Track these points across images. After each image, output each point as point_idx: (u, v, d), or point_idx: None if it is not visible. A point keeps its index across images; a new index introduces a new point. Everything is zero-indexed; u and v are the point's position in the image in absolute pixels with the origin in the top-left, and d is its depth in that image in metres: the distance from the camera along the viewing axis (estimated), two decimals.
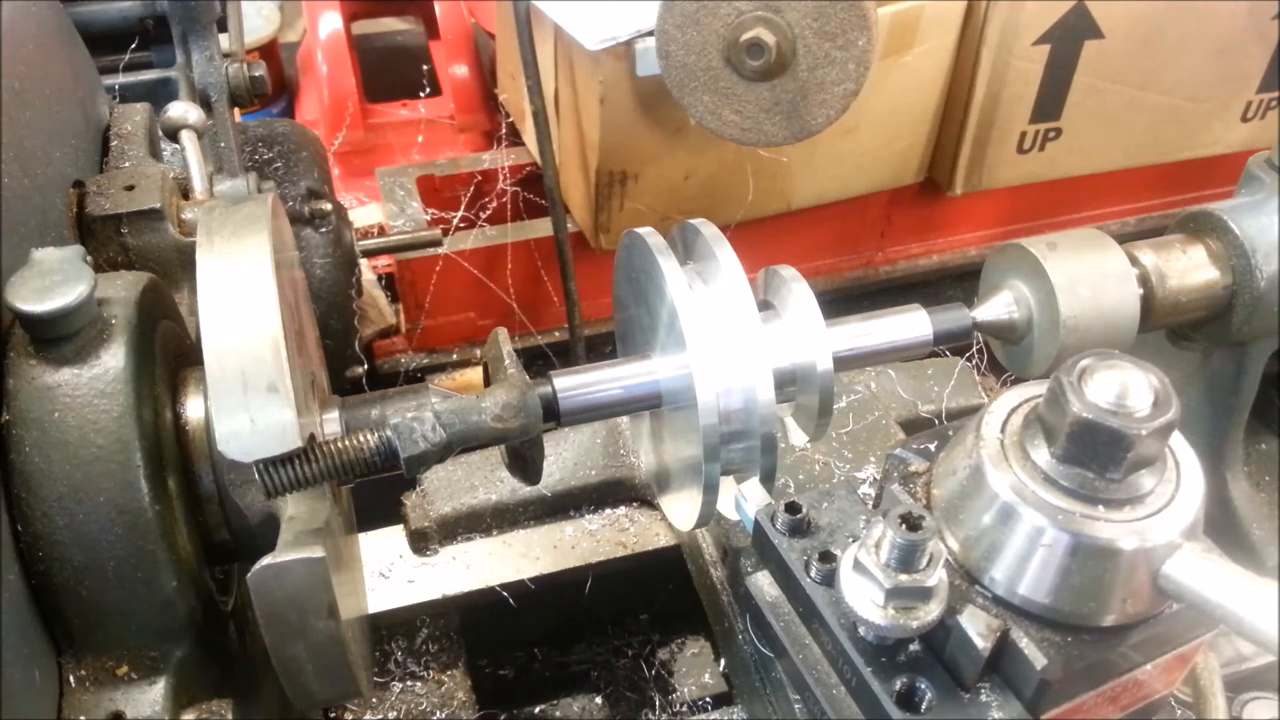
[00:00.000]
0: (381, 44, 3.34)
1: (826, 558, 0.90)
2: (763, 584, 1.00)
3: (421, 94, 2.84)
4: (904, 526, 0.79)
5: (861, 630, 0.84)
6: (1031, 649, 0.81)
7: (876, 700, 0.82)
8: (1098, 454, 0.80)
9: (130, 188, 1.19)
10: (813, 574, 0.90)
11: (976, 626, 0.81)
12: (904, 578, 0.80)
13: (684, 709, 1.68)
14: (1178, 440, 0.85)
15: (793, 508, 0.93)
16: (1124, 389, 0.79)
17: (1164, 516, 0.81)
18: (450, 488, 1.62)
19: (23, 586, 0.87)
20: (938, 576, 0.81)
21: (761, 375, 1.03)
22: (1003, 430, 0.87)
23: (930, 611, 0.80)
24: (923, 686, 0.82)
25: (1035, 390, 0.88)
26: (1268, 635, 0.73)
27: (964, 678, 0.82)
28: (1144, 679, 0.86)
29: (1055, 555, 0.80)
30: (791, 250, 2.47)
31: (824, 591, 0.89)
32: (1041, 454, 0.83)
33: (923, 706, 0.81)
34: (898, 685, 0.82)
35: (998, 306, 1.23)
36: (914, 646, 0.85)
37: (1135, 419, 0.78)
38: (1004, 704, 0.82)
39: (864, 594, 0.82)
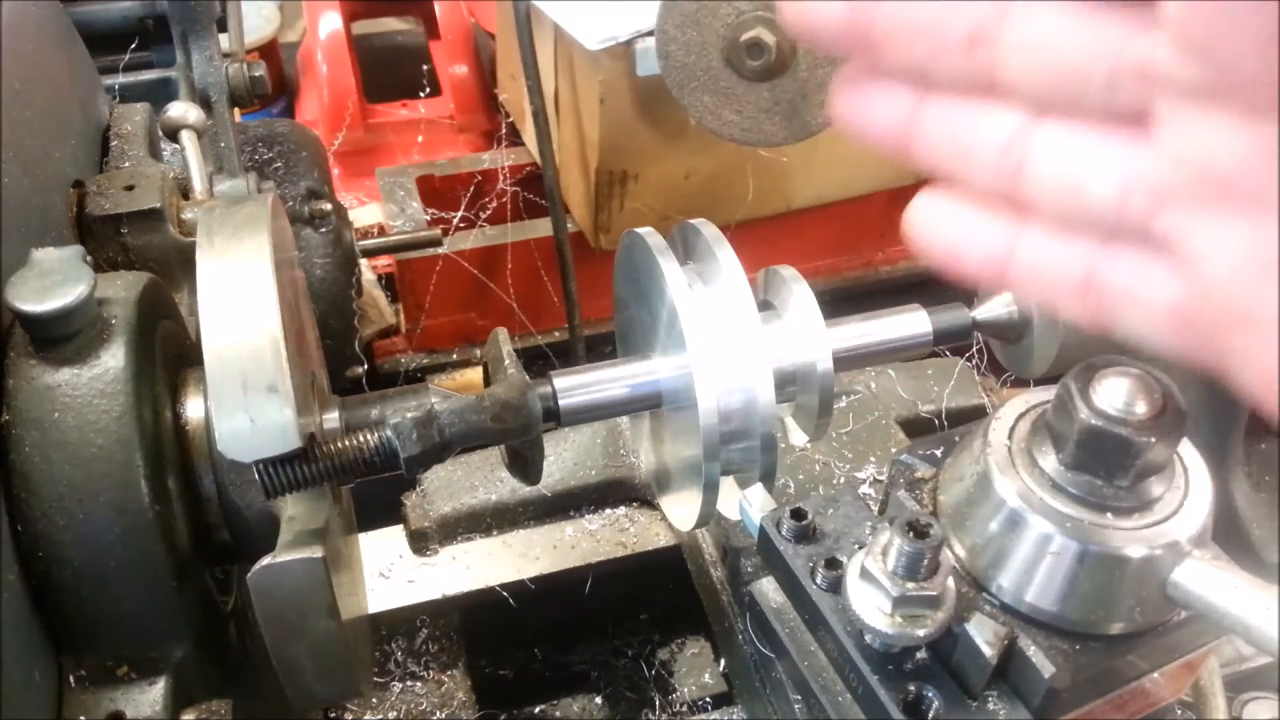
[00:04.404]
0: (381, 44, 3.32)
1: (832, 564, 0.89)
2: (767, 590, 1.00)
3: (421, 94, 2.83)
4: (911, 534, 0.79)
5: (868, 638, 0.84)
6: (1039, 657, 0.81)
7: (883, 708, 0.82)
8: (1106, 461, 0.79)
9: (130, 188, 1.19)
10: (818, 581, 0.89)
11: (984, 634, 0.81)
12: (911, 586, 0.79)
13: (684, 709, 1.68)
14: (1185, 447, 0.84)
15: (798, 514, 0.93)
16: (1132, 396, 0.79)
17: (1173, 524, 0.80)
18: (450, 488, 1.62)
19: (23, 587, 0.86)
20: (945, 584, 0.80)
21: (761, 375, 1.02)
22: (1010, 436, 0.86)
23: (937, 619, 0.80)
24: (930, 694, 0.82)
25: (1043, 396, 0.88)
26: (1277, 645, 0.73)
27: (971, 685, 0.82)
28: (1151, 687, 0.86)
29: (1063, 563, 0.80)
30: (791, 250, 2.47)
31: (830, 598, 0.88)
32: (1049, 461, 0.83)
33: (930, 714, 0.81)
34: (904, 693, 0.82)
35: (998, 306, 1.22)
36: (921, 654, 0.85)
37: (1144, 426, 0.78)
38: (1011, 712, 0.82)
39: (870, 602, 0.81)
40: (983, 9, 0.55)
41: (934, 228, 0.64)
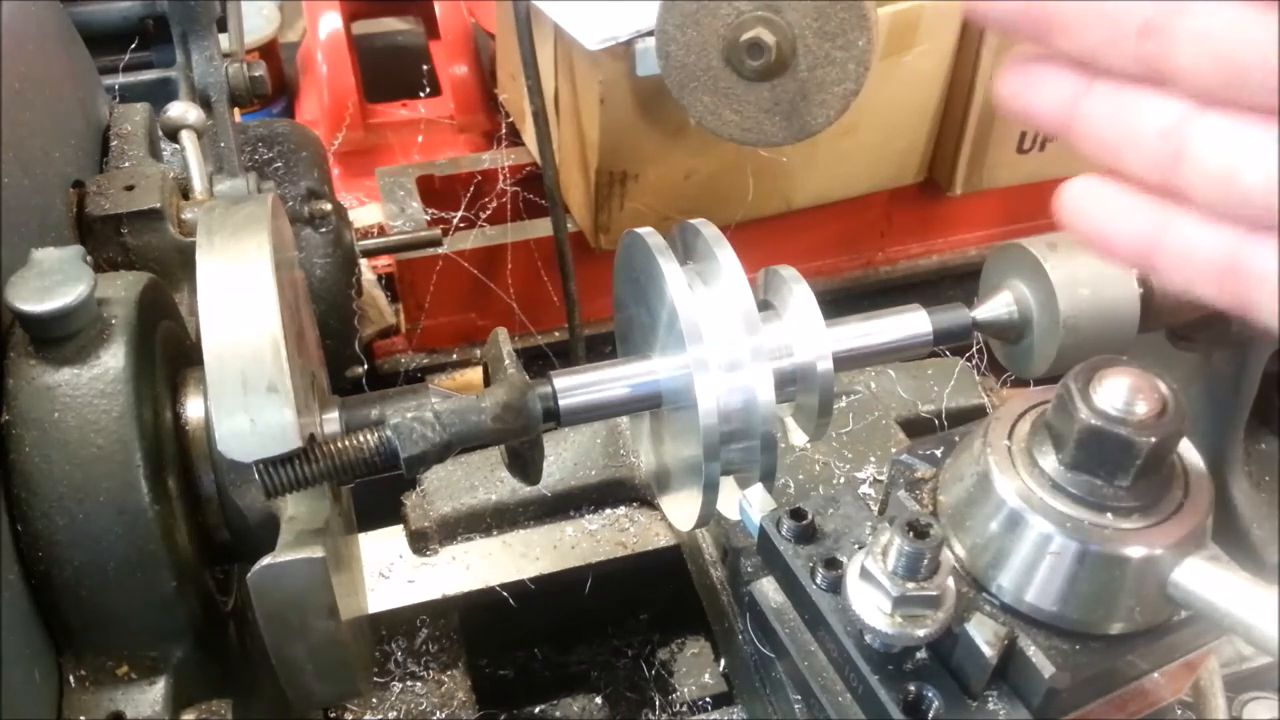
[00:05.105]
0: (381, 44, 3.32)
1: (832, 564, 0.89)
2: (767, 590, 1.00)
3: (421, 94, 2.83)
4: (911, 534, 0.79)
5: (868, 638, 0.84)
6: (1039, 657, 0.81)
7: (883, 708, 0.82)
8: (1106, 461, 0.79)
9: (130, 188, 1.19)
10: (818, 581, 0.89)
11: (984, 634, 0.81)
12: (911, 586, 0.79)
13: (684, 709, 1.68)
14: (1185, 446, 0.84)
15: (798, 514, 0.93)
16: (1132, 396, 0.79)
17: (1172, 524, 0.80)
18: (450, 488, 1.61)
19: (23, 586, 0.86)
20: (945, 584, 0.80)
21: (761, 375, 1.02)
22: (1010, 436, 0.86)
23: (937, 620, 0.80)
24: (930, 694, 0.82)
25: (1043, 396, 0.88)
26: (1277, 644, 0.73)
27: (971, 685, 0.82)
28: (1151, 687, 0.86)
29: (1063, 563, 0.80)
30: (791, 250, 2.47)
31: (830, 598, 0.88)
32: (1049, 461, 0.83)
33: (930, 714, 0.81)
34: (904, 693, 0.82)
35: (997, 306, 1.23)
36: (921, 654, 0.84)
37: (1144, 426, 0.78)
38: (1011, 712, 0.82)
39: (870, 602, 0.81)
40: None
41: (1086, 210, 0.67)
